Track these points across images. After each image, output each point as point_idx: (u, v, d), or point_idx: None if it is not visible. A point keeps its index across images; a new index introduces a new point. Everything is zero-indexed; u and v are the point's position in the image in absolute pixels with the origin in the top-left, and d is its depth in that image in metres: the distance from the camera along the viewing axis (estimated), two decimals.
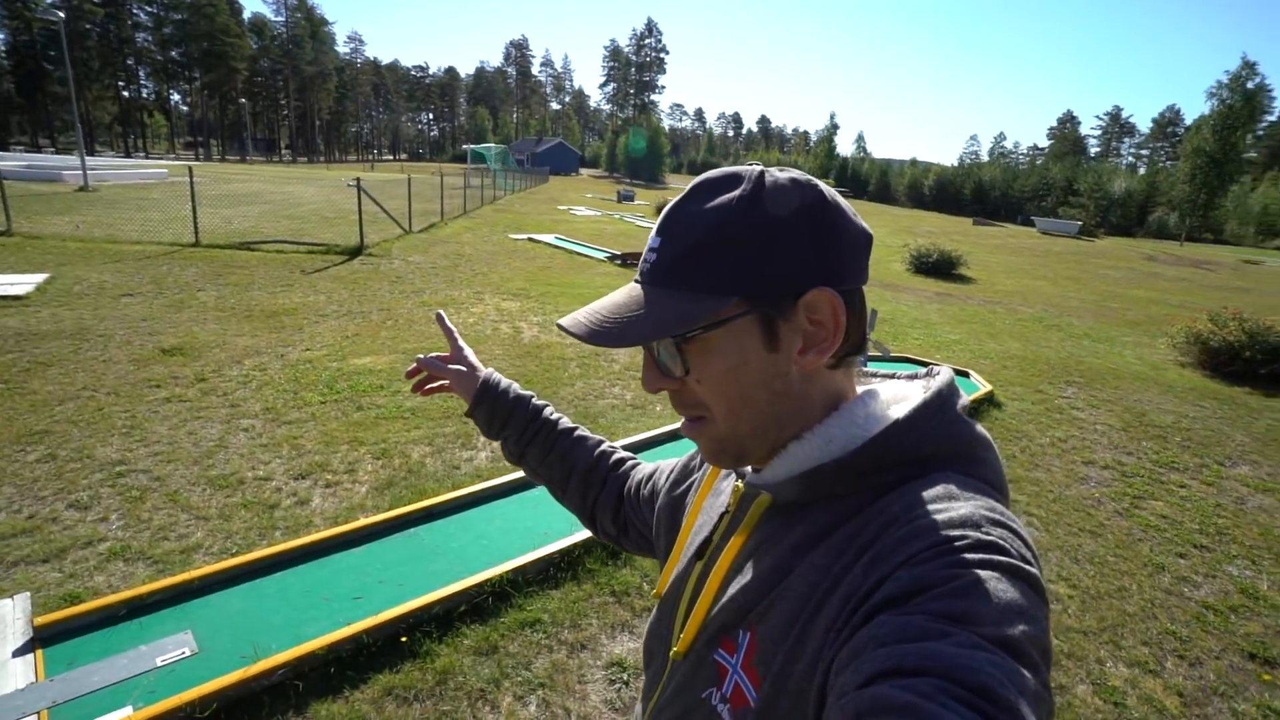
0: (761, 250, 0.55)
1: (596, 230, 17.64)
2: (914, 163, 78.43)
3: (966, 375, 6.57)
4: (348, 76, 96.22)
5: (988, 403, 6.00)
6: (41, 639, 2.32)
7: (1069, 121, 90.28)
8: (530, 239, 14.58)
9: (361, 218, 10.75)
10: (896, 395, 0.62)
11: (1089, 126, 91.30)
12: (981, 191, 59.44)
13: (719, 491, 0.76)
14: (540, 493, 2.92)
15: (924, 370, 0.65)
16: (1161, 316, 11.98)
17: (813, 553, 0.56)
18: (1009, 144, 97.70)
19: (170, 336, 5.97)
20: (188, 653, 2.32)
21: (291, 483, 3.70)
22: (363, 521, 3.23)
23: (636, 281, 0.60)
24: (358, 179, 11.12)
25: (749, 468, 0.67)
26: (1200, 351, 7.81)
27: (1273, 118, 62.88)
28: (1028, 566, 0.47)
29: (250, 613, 2.58)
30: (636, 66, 71.04)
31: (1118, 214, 51.91)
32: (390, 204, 12.49)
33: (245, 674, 2.17)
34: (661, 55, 70.28)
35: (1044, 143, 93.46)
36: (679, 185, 60.59)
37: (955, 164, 78.50)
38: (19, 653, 2.26)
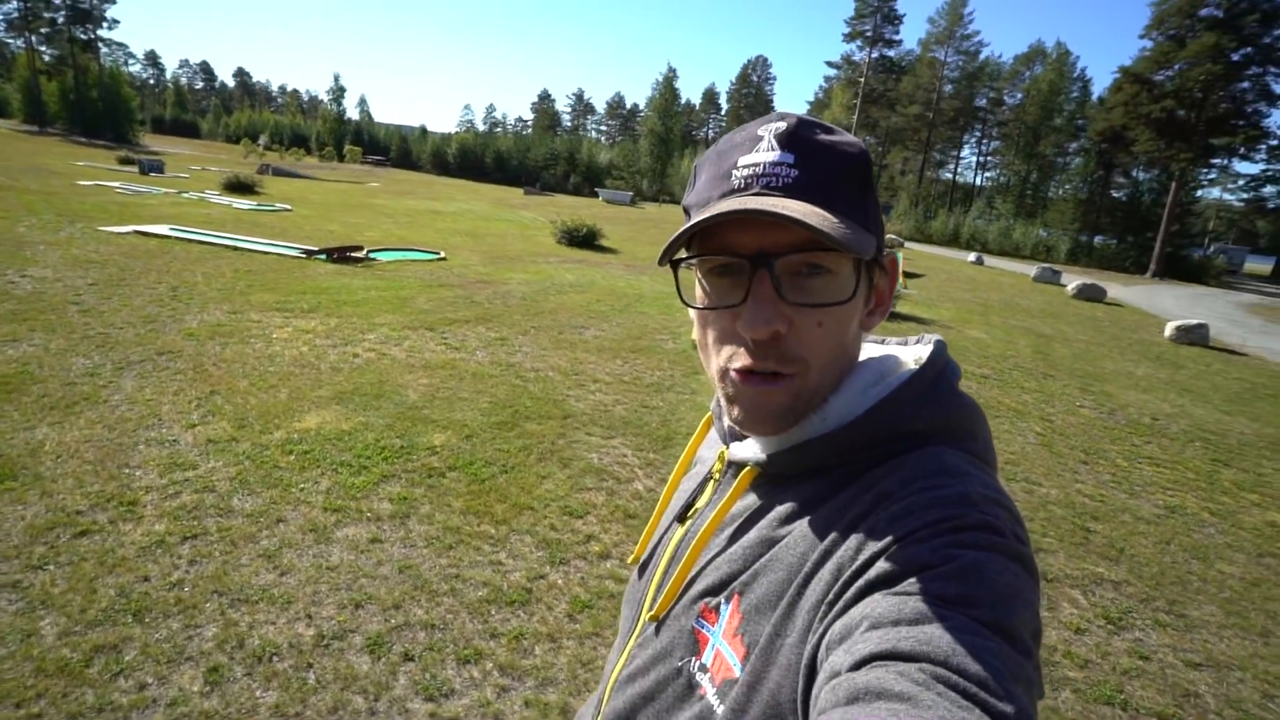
0: (876, 200, 0.58)
1: (201, 216, 13.83)
2: (424, 130, 79.61)
3: None
4: None
5: None
6: None
7: (546, 98, 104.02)
8: (138, 232, 10.89)
9: None
10: (889, 366, 0.61)
11: (562, 104, 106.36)
12: (501, 160, 64.60)
13: (701, 459, 0.76)
14: None
15: (914, 338, 0.66)
16: None
17: (801, 523, 0.55)
18: (499, 114, 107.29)
19: None
20: None
21: (599, 566, 3.10)
22: None
23: (763, 192, 0.54)
24: None
25: (730, 437, 0.67)
26: None
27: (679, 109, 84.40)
28: (1022, 547, 0.48)
29: None
30: None
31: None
32: None
33: None
34: None
35: (528, 115, 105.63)
36: (162, 148, 48.88)
37: (462, 131, 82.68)
38: None
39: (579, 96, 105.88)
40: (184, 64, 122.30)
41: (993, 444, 0.59)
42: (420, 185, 38.55)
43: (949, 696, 0.37)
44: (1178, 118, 32.72)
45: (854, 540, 0.49)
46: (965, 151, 64.41)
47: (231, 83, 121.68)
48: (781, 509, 0.58)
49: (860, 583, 0.46)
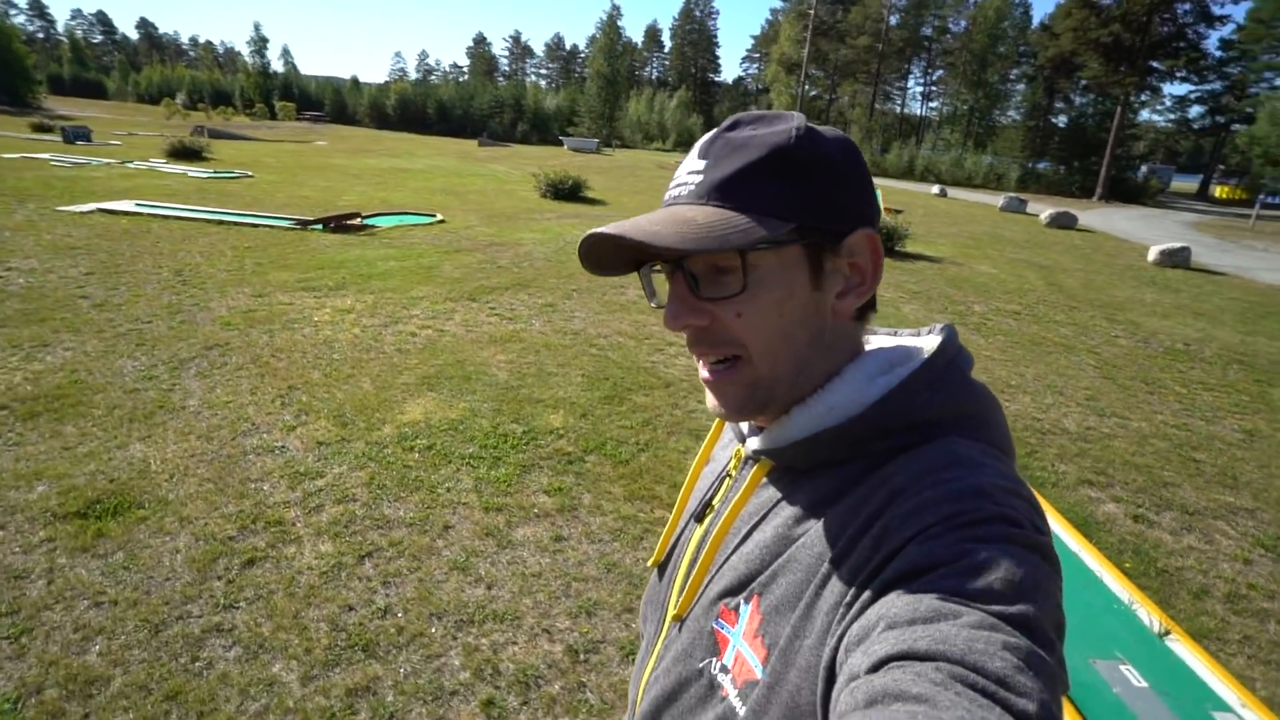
0: (818, 182, 0.55)
1: (161, 188, 12.70)
2: (356, 81, 75.19)
3: None
4: None
5: None
6: None
7: (482, 42, 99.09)
8: (103, 210, 9.97)
9: None
10: (899, 355, 0.60)
11: (499, 48, 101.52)
12: (444, 110, 61.43)
13: (717, 457, 0.76)
14: None
15: (926, 328, 0.65)
16: None
17: (817, 522, 0.55)
18: (433, 61, 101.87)
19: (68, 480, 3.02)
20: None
21: None
22: None
23: (675, 203, 0.58)
24: None
25: (747, 432, 0.68)
26: None
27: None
28: (1041, 537, 0.47)
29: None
30: None
31: (556, 127, 61.15)
32: None
33: None
34: None
35: (464, 61, 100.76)
36: (69, 111, 44.86)
37: (396, 81, 78.45)
38: None
39: (516, 39, 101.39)
40: (76, 14, 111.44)
41: (1009, 430, 0.58)
42: (369, 141, 36.41)
43: (968, 696, 0.36)
44: (1123, 41, 33.28)
45: (869, 540, 0.49)
46: (910, 83, 64.51)
47: (135, 35, 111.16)
48: (797, 505, 0.58)
49: (876, 583, 0.46)
